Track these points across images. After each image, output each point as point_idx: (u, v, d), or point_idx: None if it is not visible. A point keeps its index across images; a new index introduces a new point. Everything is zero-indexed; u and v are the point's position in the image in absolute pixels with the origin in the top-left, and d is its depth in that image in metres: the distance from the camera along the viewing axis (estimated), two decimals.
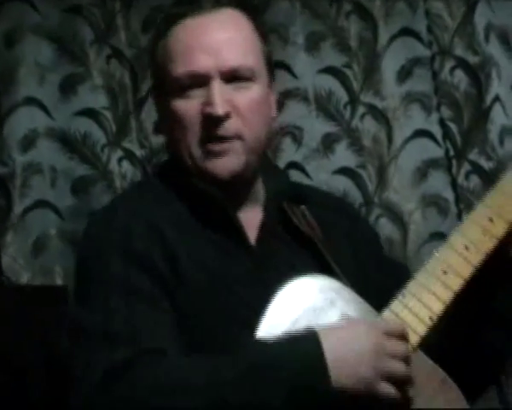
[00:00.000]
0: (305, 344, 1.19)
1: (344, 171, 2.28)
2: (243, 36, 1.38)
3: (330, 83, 2.26)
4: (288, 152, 2.26)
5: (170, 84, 1.36)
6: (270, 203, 1.44)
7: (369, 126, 2.28)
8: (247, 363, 1.20)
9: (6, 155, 2.16)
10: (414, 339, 1.25)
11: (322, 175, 2.26)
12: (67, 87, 2.22)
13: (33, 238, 2.17)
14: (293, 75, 2.25)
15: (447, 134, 2.26)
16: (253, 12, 1.48)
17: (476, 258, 1.30)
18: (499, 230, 1.33)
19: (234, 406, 1.18)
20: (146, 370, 1.21)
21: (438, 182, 2.29)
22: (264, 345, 1.23)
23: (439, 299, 1.28)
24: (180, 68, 1.32)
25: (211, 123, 1.30)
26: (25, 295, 2.03)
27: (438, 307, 1.27)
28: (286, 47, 2.25)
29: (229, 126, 1.32)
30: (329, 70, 2.26)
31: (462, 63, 2.24)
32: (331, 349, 1.17)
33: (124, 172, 2.22)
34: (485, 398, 2.07)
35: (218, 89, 1.29)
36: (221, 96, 1.30)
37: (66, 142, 2.20)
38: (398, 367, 1.18)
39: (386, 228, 2.27)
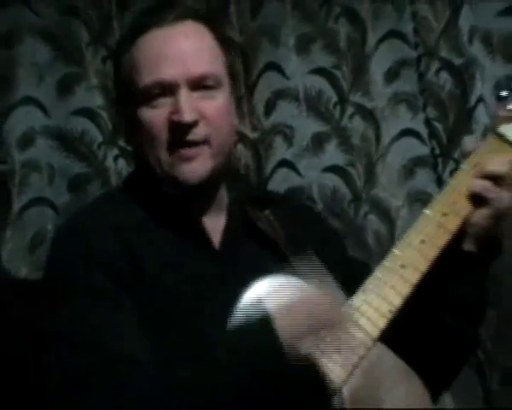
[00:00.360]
0: (259, 337, 1.24)
1: (333, 169, 2.32)
2: (207, 45, 1.42)
3: (320, 83, 2.30)
4: (280, 150, 2.30)
5: (137, 95, 1.39)
6: (234, 208, 1.50)
7: (357, 126, 2.32)
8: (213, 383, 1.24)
9: (5, 153, 2.19)
10: (375, 332, 1.30)
11: (313, 173, 2.31)
12: (64, 87, 2.24)
13: (31, 234, 2.19)
14: (285, 76, 2.29)
15: (433, 133, 2.31)
16: (214, 24, 1.52)
17: (432, 251, 1.36)
18: (453, 224, 1.37)
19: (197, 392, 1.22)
20: (106, 380, 1.24)
21: (424, 179, 2.33)
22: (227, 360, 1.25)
23: (398, 293, 1.33)
24: (147, 78, 1.36)
25: (179, 130, 1.34)
26: (23, 289, 1.99)
27: (397, 301, 1.32)
28: (277, 48, 2.30)
29: (198, 132, 1.35)
30: (319, 71, 2.31)
31: (447, 65, 2.29)
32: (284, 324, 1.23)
33: (120, 169, 2.25)
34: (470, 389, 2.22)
35: (186, 97, 1.34)
36: (189, 104, 1.35)
37: (64, 140, 2.23)
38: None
39: (374, 224, 2.32)
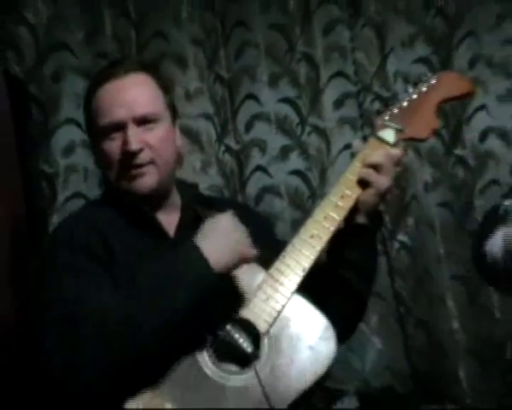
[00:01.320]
0: (190, 251, 1.54)
1: (296, 172, 2.73)
2: (148, 90, 1.72)
3: (286, 109, 2.72)
4: (256, 158, 2.70)
5: (99, 131, 1.70)
6: (186, 208, 1.81)
7: (313, 141, 2.74)
8: (148, 281, 1.52)
9: (52, 159, 2.56)
10: (292, 286, 1.62)
11: (281, 175, 2.71)
12: None
13: None
14: (260, 103, 2.70)
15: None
16: (155, 72, 1.82)
17: (332, 225, 1.65)
18: (347, 204, 1.67)
19: (154, 317, 1.46)
20: (86, 319, 1.47)
21: None
22: (160, 266, 1.54)
23: (307, 256, 1.63)
24: (104, 119, 1.67)
25: (129, 156, 1.65)
26: None
27: (307, 263, 1.62)
28: (254, 83, 2.70)
29: (143, 157, 1.66)
30: (286, 100, 2.72)
31: (378, 97, 2.71)
32: (207, 249, 1.51)
33: None
34: (393, 333, 2.61)
35: (132, 132, 1.64)
36: (134, 137, 1.65)
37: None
38: (245, 244, 1.57)
39: None
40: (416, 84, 1.89)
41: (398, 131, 1.76)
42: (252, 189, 2.78)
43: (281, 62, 2.74)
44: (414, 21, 2.71)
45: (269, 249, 1.73)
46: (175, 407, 1.50)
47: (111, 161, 1.71)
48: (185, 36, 2.68)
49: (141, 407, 1.51)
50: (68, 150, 2.58)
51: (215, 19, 2.71)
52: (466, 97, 2.05)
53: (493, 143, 2.67)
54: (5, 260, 2.28)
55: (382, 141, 1.74)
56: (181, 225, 1.78)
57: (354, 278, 1.82)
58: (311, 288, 1.68)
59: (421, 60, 2.70)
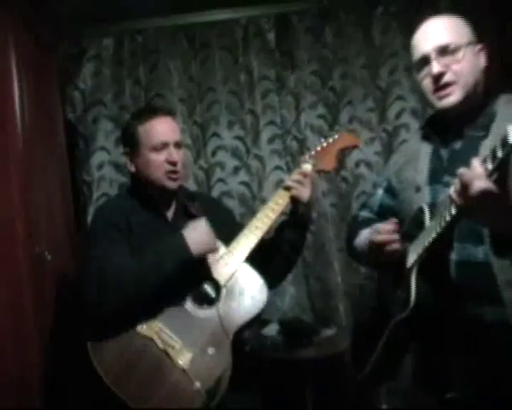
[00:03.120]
0: (177, 240, 2.02)
1: (243, 183, 3.43)
2: (176, 126, 2.23)
3: (237, 143, 3.44)
4: (218, 174, 3.41)
5: (151, 147, 2.15)
6: (178, 201, 2.23)
7: (255, 163, 3.43)
8: (151, 254, 1.99)
9: (90, 172, 3.34)
10: (242, 258, 2.11)
11: (233, 185, 3.40)
12: (117, 142, 3.33)
13: None
14: (221, 139, 3.45)
15: (289, 169, 3.33)
16: (174, 114, 2.25)
17: (269, 220, 2.18)
18: (280, 208, 2.19)
19: (154, 271, 1.94)
20: (110, 272, 1.95)
21: None
22: (159, 245, 2.00)
23: (252, 240, 2.13)
24: (157, 139, 2.16)
25: (172, 165, 2.15)
26: None
27: (253, 243, 2.12)
28: (218, 126, 3.43)
29: (178, 168, 2.16)
30: (237, 137, 3.45)
31: (295, 138, 3.42)
32: (191, 240, 2.00)
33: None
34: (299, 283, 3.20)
35: (173, 149, 2.17)
36: (175, 155, 2.16)
37: (116, 166, 3.36)
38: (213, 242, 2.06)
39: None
40: (326, 137, 2.45)
41: (313, 165, 2.30)
42: (215, 193, 3.41)
43: (235, 114, 3.45)
44: (316, 93, 3.45)
45: (230, 230, 2.24)
46: (165, 326, 2.03)
47: (157, 166, 2.18)
48: (175, 96, 3.45)
49: (144, 327, 2.02)
50: (100, 167, 3.36)
51: (194, 86, 3.46)
52: (355, 147, 2.64)
53: (363, 169, 3.42)
54: (64, 231, 2.91)
55: (303, 170, 2.29)
56: (175, 213, 2.27)
57: (288, 251, 2.36)
58: (259, 256, 2.19)
59: (321, 116, 3.45)
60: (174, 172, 2.18)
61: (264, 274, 2.15)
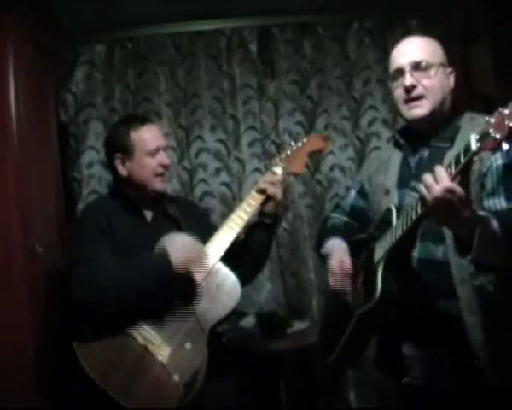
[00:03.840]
0: (162, 255, 2.09)
1: (224, 184, 3.57)
2: (162, 133, 2.37)
3: (220, 146, 3.59)
4: (201, 174, 3.52)
5: (146, 153, 2.26)
6: (159, 204, 2.34)
7: (235, 165, 3.57)
8: (138, 268, 2.06)
9: (80, 170, 3.44)
10: (218, 256, 2.19)
11: (215, 185, 3.52)
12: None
13: None
14: (204, 142, 3.56)
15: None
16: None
17: (242, 221, 2.26)
18: (252, 209, 2.28)
19: (137, 284, 2.02)
20: (99, 274, 2.02)
21: None
22: (145, 259, 2.07)
23: (227, 239, 2.23)
24: (152, 145, 2.28)
25: (164, 168, 2.28)
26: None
27: (228, 242, 2.21)
28: (201, 130, 3.55)
29: (167, 169, 2.31)
30: (220, 140, 3.60)
31: (273, 142, 3.58)
32: (174, 258, 2.07)
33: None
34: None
35: (164, 153, 2.30)
36: (166, 156, 2.31)
37: (105, 165, 3.28)
38: (201, 258, 2.13)
39: None
40: (296, 141, 2.55)
41: (284, 168, 2.40)
42: (197, 193, 3.53)
43: (217, 119, 3.61)
44: (295, 101, 3.62)
45: (205, 231, 2.30)
46: (144, 323, 2.09)
47: (150, 170, 2.29)
48: (162, 101, 3.58)
49: (125, 325, 2.05)
50: (90, 165, 3.48)
51: (180, 91, 3.60)
52: (324, 151, 2.94)
53: (336, 173, 3.58)
54: (55, 226, 2.91)
55: (274, 173, 2.39)
56: (155, 215, 2.37)
57: (258, 251, 2.46)
58: (232, 255, 2.28)
59: (298, 123, 3.63)
60: (163, 174, 2.33)
61: (236, 273, 2.26)
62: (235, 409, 2.28)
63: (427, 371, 1.79)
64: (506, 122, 1.30)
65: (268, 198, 2.33)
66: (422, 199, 1.49)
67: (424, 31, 3.33)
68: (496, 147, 1.32)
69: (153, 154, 2.28)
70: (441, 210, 1.46)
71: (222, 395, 2.23)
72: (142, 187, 2.29)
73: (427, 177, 1.47)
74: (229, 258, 2.25)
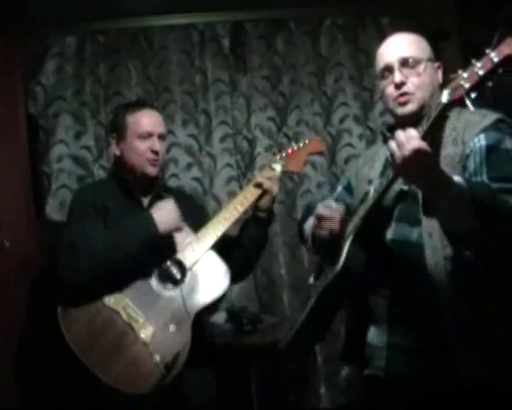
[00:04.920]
0: (145, 217, 2.16)
1: (196, 179, 3.61)
2: (161, 119, 2.39)
3: (191, 141, 3.59)
4: (172, 169, 3.54)
5: (137, 135, 2.28)
6: (155, 191, 2.36)
7: (207, 160, 3.60)
8: (121, 229, 2.12)
9: (50, 164, 3.45)
10: (208, 245, 2.23)
11: (186, 180, 3.56)
12: (77, 136, 3.52)
13: (59, 200, 3.41)
14: (176, 136, 3.58)
15: (239, 167, 3.58)
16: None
17: (237, 213, 2.28)
18: (248, 202, 2.31)
19: (121, 250, 2.06)
20: (82, 242, 2.07)
21: (233, 185, 3.54)
22: (129, 222, 2.13)
23: (220, 229, 2.26)
24: (145, 130, 2.31)
25: (155, 153, 2.28)
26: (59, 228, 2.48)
27: (220, 232, 2.25)
28: (173, 124, 3.58)
29: (160, 156, 2.31)
30: (191, 135, 3.62)
31: (245, 138, 3.61)
32: (158, 218, 2.14)
33: (100, 174, 3.42)
34: None
35: (157, 139, 2.32)
36: (158, 143, 2.31)
37: (75, 159, 3.50)
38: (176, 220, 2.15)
39: (211, 205, 3.50)
40: (296, 141, 2.62)
41: (283, 165, 2.46)
42: None
43: (189, 113, 3.65)
44: (267, 96, 3.66)
45: (200, 222, 2.35)
46: (131, 301, 2.13)
47: (140, 153, 2.33)
48: (133, 95, 3.58)
49: (112, 300, 2.11)
50: (59, 159, 3.50)
51: (151, 86, 3.62)
52: (323, 154, 2.89)
53: (308, 169, 3.57)
54: (24, 220, 2.89)
55: (273, 169, 2.45)
56: (151, 201, 2.37)
57: (252, 248, 2.48)
58: (225, 248, 2.31)
59: (270, 119, 3.67)
60: (154, 159, 2.35)
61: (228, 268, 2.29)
62: (212, 401, 2.33)
63: (391, 361, 1.76)
64: (476, 72, 1.33)
65: (264, 193, 2.37)
66: (392, 156, 1.51)
67: (396, 28, 3.38)
68: (464, 96, 1.35)
69: (144, 137, 2.32)
70: (409, 169, 1.47)
71: (201, 387, 2.27)
72: (133, 170, 2.33)
73: (399, 134, 1.48)
74: (221, 256, 2.30)
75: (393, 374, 1.75)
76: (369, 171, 1.99)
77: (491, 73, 1.35)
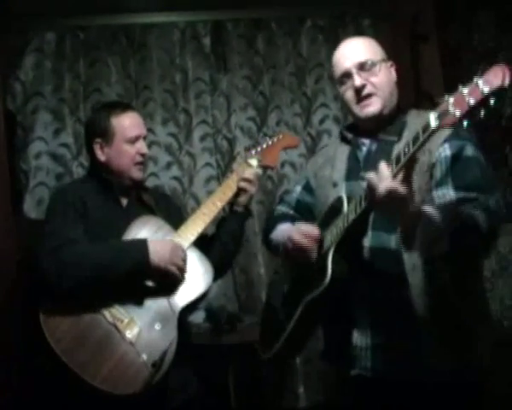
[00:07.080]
0: (139, 244, 2.11)
1: (175, 178, 3.63)
2: (142, 121, 2.34)
3: (171, 140, 3.62)
4: (151, 168, 3.52)
5: (125, 140, 2.24)
6: (134, 192, 2.33)
7: (186, 159, 3.63)
8: (112, 249, 2.07)
9: (28, 161, 3.44)
10: (189, 241, 2.19)
11: (166, 179, 3.58)
12: (56, 133, 3.53)
13: (37, 197, 3.41)
14: (155, 135, 3.59)
15: (219, 166, 3.65)
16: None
17: (216, 208, 2.28)
18: (226, 198, 2.31)
19: (107, 267, 2.03)
20: (68, 250, 2.01)
21: (213, 185, 3.53)
22: (121, 243, 2.10)
23: (200, 225, 2.25)
24: (132, 133, 2.26)
25: (143, 156, 2.27)
26: (37, 226, 2.60)
27: (200, 228, 2.23)
28: (153, 123, 3.59)
29: (145, 160, 2.30)
30: (171, 134, 3.62)
31: (225, 137, 3.63)
32: (152, 249, 2.07)
33: (79, 172, 3.39)
34: None
35: (143, 142, 2.29)
36: (144, 145, 2.30)
37: (53, 157, 3.50)
38: (179, 261, 2.10)
39: (191, 204, 3.54)
40: (270, 137, 2.64)
41: (259, 160, 2.45)
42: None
43: (169, 111, 3.67)
44: (247, 96, 3.69)
45: (178, 220, 2.33)
46: (115, 301, 2.09)
47: (128, 157, 2.29)
48: (112, 92, 3.62)
49: (95, 301, 2.06)
50: (37, 156, 3.49)
51: (131, 83, 3.65)
52: (296, 147, 3.00)
53: (287, 169, 3.67)
54: (4, 212, 2.92)
55: (249, 165, 2.44)
56: (130, 201, 2.36)
57: (230, 242, 2.46)
58: (204, 245, 2.31)
59: (250, 118, 3.70)
60: (141, 162, 2.34)
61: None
62: (195, 400, 2.27)
63: (376, 361, 1.79)
64: (466, 100, 1.33)
65: (242, 189, 2.38)
66: (367, 197, 1.57)
67: (375, 29, 3.48)
68: (457, 123, 1.36)
69: (132, 141, 2.29)
70: (385, 206, 1.52)
71: (184, 386, 2.23)
72: (119, 174, 2.30)
73: (371, 177, 1.53)
74: (200, 251, 2.28)
75: (380, 373, 1.79)
76: (331, 172, 2.00)
77: (481, 104, 1.35)
